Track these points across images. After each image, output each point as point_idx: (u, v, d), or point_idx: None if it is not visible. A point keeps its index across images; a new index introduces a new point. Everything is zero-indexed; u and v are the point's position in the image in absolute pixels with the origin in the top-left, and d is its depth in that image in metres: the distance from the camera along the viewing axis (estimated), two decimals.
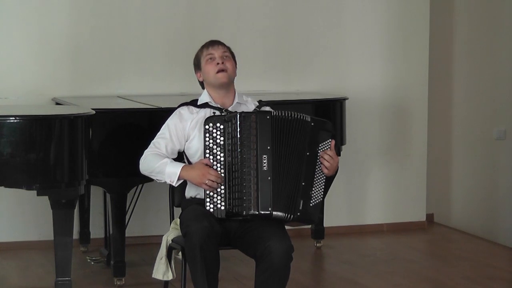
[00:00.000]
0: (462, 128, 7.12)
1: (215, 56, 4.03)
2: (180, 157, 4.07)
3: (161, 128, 4.05)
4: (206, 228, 3.66)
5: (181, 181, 3.91)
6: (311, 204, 3.84)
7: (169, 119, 4.06)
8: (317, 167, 3.88)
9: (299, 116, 3.88)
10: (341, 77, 6.50)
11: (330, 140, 3.92)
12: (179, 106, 4.12)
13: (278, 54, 6.37)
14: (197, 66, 4.11)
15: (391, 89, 6.62)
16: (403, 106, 6.67)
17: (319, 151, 3.89)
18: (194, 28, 6.12)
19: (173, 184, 3.90)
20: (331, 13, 6.45)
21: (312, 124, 3.89)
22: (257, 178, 3.78)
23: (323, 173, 3.90)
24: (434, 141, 6.97)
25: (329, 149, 3.90)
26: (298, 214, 3.81)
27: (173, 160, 3.95)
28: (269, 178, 3.78)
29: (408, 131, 6.71)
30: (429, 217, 6.94)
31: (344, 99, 5.91)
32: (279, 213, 3.78)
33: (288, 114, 3.87)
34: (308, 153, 3.86)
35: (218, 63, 4.02)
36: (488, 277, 5.37)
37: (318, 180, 3.88)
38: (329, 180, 3.95)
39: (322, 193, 3.89)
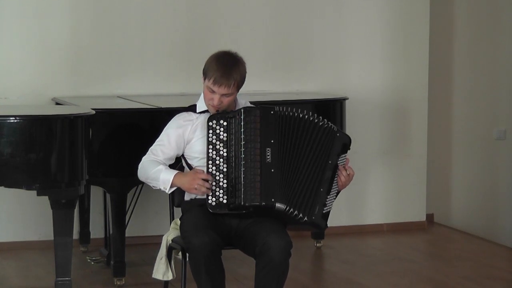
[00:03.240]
0: (462, 128, 7.12)
1: (215, 93, 3.88)
2: (177, 161, 4.06)
3: (160, 135, 4.03)
4: (208, 245, 3.66)
5: (174, 188, 3.90)
6: (324, 211, 3.87)
7: (167, 126, 4.03)
8: (335, 177, 3.91)
9: (324, 123, 3.89)
10: (341, 77, 6.50)
11: (346, 155, 3.95)
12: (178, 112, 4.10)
13: (278, 54, 6.37)
14: (204, 75, 3.95)
15: (391, 89, 6.62)
16: (403, 106, 6.66)
17: (339, 163, 3.92)
18: (194, 28, 6.12)
19: (166, 191, 3.91)
20: (331, 13, 6.45)
21: (338, 135, 3.92)
22: (260, 170, 3.77)
23: (337, 185, 3.93)
24: (434, 141, 6.96)
25: (344, 164, 3.94)
26: (313, 218, 3.83)
27: (167, 167, 3.93)
28: (272, 170, 3.78)
29: (408, 131, 6.71)
30: (429, 217, 6.94)
31: (344, 99, 5.91)
32: (281, 205, 3.78)
33: (301, 115, 3.88)
34: (330, 162, 3.88)
35: (213, 100, 3.88)
36: (488, 277, 5.37)
37: (333, 190, 3.92)
38: (338, 193, 3.99)
39: (333, 203, 3.92)
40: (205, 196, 3.83)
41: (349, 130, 6.08)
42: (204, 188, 3.79)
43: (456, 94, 7.11)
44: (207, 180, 3.80)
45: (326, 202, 3.87)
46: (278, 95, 6.06)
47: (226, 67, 3.86)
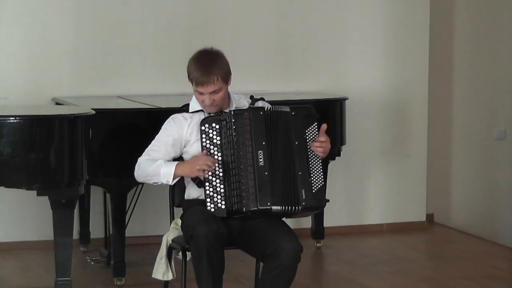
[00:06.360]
0: (462, 128, 7.12)
1: (204, 94, 3.88)
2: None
3: (155, 138, 4.01)
4: (213, 231, 3.67)
5: (177, 179, 3.90)
6: (313, 191, 3.84)
7: (163, 129, 4.02)
8: (309, 153, 3.87)
9: (276, 109, 3.88)
10: (341, 77, 6.50)
11: (316, 123, 3.90)
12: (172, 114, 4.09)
13: (278, 54, 6.37)
14: (189, 78, 3.95)
15: (391, 89, 6.62)
16: (403, 106, 6.66)
17: (307, 138, 3.87)
18: (194, 28, 6.12)
19: (170, 183, 3.90)
20: (331, 13, 6.45)
21: (293, 113, 3.89)
22: (254, 174, 3.79)
23: (317, 157, 3.88)
24: (434, 141, 6.96)
25: (317, 133, 3.89)
26: (304, 203, 3.81)
27: (166, 161, 3.92)
28: (266, 173, 3.79)
29: (408, 131, 6.71)
30: (429, 217, 6.94)
31: (344, 99, 5.91)
32: (278, 207, 3.78)
33: (273, 108, 3.88)
34: (296, 143, 3.86)
35: (204, 102, 3.88)
36: (488, 277, 5.37)
37: (314, 166, 3.87)
38: (324, 161, 3.95)
39: (322, 176, 3.88)
40: (204, 197, 3.84)
41: (349, 130, 6.09)
42: (208, 166, 3.76)
43: (456, 94, 7.11)
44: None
45: (312, 181, 3.83)
46: (278, 95, 6.06)
47: (204, 65, 3.85)
